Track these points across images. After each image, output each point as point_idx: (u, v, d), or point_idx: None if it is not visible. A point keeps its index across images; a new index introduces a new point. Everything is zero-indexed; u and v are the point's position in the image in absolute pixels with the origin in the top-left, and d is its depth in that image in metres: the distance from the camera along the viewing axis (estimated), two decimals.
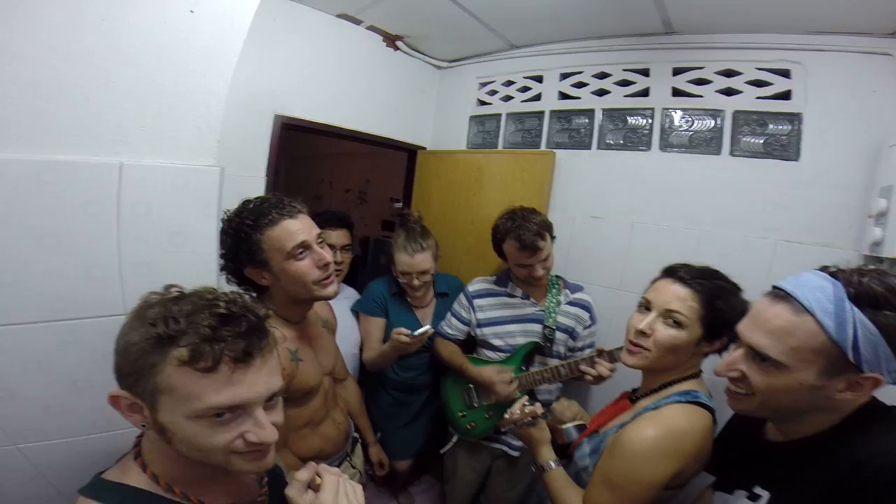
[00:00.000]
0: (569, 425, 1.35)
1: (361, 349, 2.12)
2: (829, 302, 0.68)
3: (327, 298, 1.27)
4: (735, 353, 0.82)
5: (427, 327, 1.73)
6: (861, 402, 0.74)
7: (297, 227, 1.16)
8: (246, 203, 1.19)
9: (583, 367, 1.59)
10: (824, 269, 0.77)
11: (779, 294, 0.75)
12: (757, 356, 0.76)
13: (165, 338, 0.63)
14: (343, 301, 2.17)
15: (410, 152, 2.81)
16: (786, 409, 0.77)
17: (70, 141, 1.04)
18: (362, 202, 4.55)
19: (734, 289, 1.08)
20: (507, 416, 1.30)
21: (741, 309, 1.00)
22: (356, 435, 1.65)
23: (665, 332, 1.07)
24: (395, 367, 2.10)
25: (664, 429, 0.98)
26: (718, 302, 1.05)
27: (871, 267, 0.75)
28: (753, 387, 0.77)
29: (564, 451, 1.27)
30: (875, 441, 0.70)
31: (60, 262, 1.03)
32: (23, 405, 1.06)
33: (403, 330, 1.76)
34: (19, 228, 0.98)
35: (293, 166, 4.72)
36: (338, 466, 1.11)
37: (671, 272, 1.13)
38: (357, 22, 2.27)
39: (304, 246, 1.17)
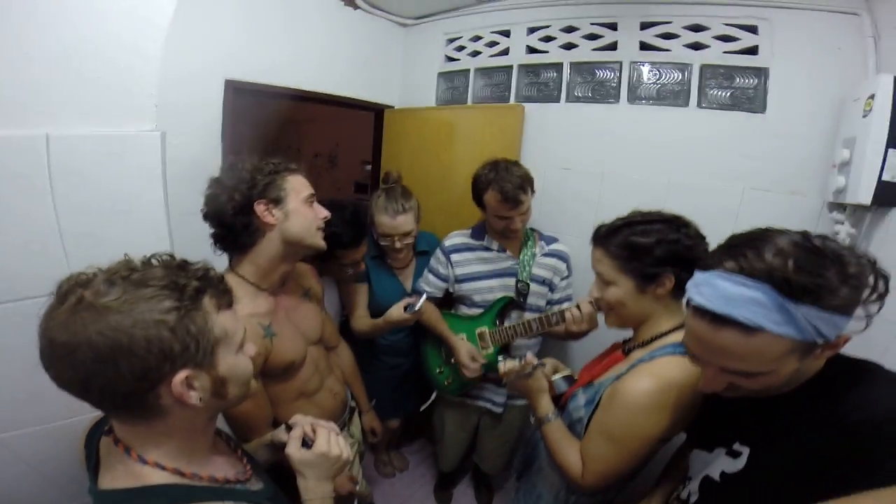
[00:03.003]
0: (557, 377, 1.34)
1: (344, 314, 2.08)
2: (772, 312, 0.65)
3: (319, 248, 1.28)
4: (710, 378, 0.78)
5: (423, 301, 1.73)
6: None
7: (307, 182, 1.28)
8: (246, 158, 1.22)
9: (567, 321, 1.56)
10: (711, 259, 0.74)
11: (715, 317, 0.69)
12: (737, 372, 0.74)
13: (195, 293, 0.65)
14: None
15: (377, 112, 2.72)
16: (780, 387, 0.76)
17: None
18: (333, 166, 4.45)
19: (649, 228, 1.07)
20: (503, 367, 1.30)
21: (655, 241, 1.03)
22: (353, 404, 1.64)
23: (606, 293, 1.12)
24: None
25: (660, 381, 0.98)
26: (625, 252, 1.07)
27: (755, 231, 0.73)
28: (749, 389, 0.75)
29: (555, 403, 1.26)
30: (852, 395, 0.70)
31: None
32: None
33: (404, 301, 1.74)
34: None
35: (257, 133, 4.55)
36: None
37: (594, 237, 1.16)
38: None
39: (313, 198, 1.27)
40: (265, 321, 1.20)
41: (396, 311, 1.74)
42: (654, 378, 0.99)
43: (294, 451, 0.87)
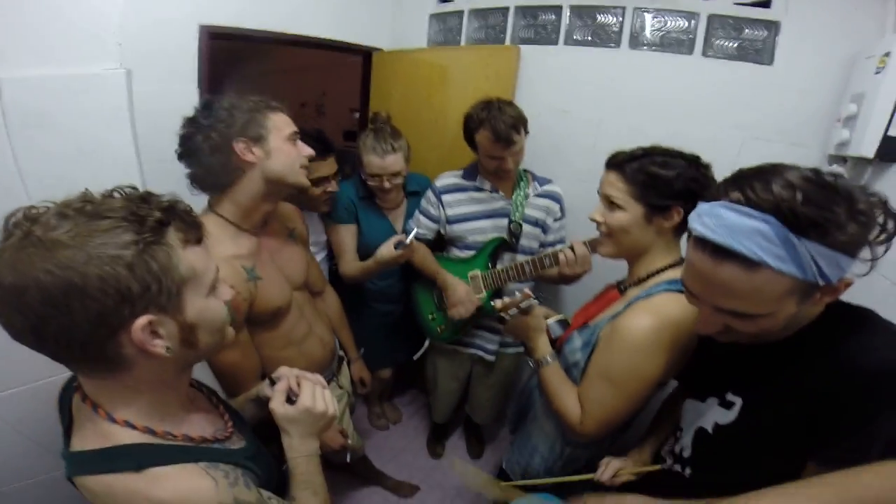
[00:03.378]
0: (551, 320, 1.30)
1: (333, 259, 2.03)
2: (775, 246, 0.61)
3: (303, 186, 1.24)
4: (706, 319, 0.76)
5: (413, 234, 1.65)
6: None
7: (291, 120, 1.21)
8: (224, 95, 1.15)
9: (558, 255, 1.55)
10: (716, 190, 0.71)
11: (717, 249, 0.66)
12: (732, 313, 0.71)
13: (157, 225, 0.58)
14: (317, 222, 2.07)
15: (366, 55, 2.59)
16: (776, 332, 0.74)
17: None
18: (320, 115, 4.32)
19: (665, 161, 1.04)
20: (501, 302, 1.26)
21: (675, 175, 1.01)
22: (341, 353, 1.62)
23: (611, 218, 1.09)
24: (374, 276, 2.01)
25: (659, 318, 0.96)
26: (641, 176, 1.03)
27: (765, 165, 0.70)
28: (743, 333, 0.73)
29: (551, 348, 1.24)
30: (849, 342, 0.69)
31: None
32: None
33: (396, 238, 1.67)
34: None
35: (241, 84, 4.35)
36: None
37: (609, 161, 1.12)
38: None
39: (297, 135, 1.21)
40: (248, 263, 1.15)
41: (386, 249, 1.67)
42: (653, 315, 0.96)
43: (277, 406, 0.83)
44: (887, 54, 1.33)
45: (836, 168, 1.50)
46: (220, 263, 0.97)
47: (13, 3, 0.97)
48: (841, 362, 0.67)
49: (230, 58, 1.89)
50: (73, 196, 0.58)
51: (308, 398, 0.84)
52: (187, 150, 1.10)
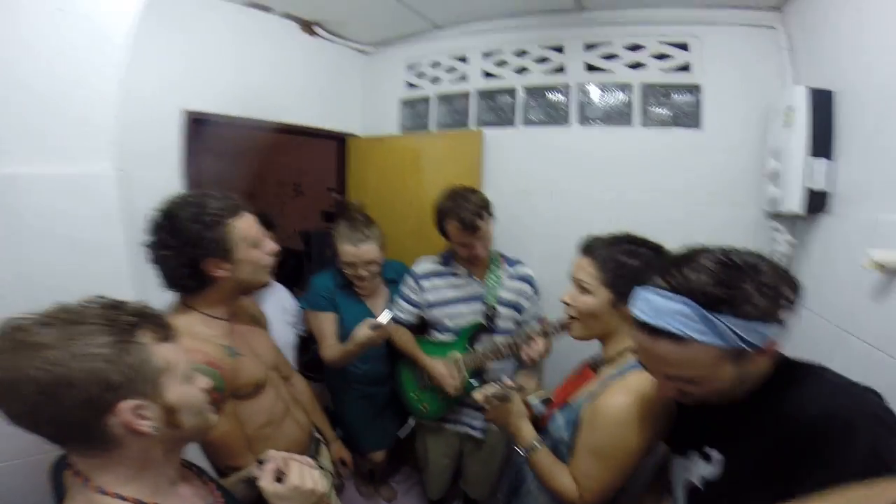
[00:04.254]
0: (535, 400, 1.35)
1: (315, 347, 2.06)
2: (696, 322, 0.72)
3: (266, 284, 1.32)
4: (661, 385, 0.87)
5: (386, 314, 1.70)
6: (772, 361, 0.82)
7: (253, 219, 1.24)
8: (183, 197, 1.17)
9: (523, 349, 1.65)
10: (653, 276, 0.82)
11: (651, 329, 0.77)
12: (680, 379, 0.81)
13: (129, 327, 0.68)
14: (281, 295, 2.13)
15: (339, 140, 2.75)
16: (729, 392, 0.83)
17: None
18: (298, 194, 4.41)
19: (633, 249, 1.14)
20: (480, 394, 1.29)
21: (642, 265, 1.08)
22: (318, 436, 1.62)
23: (580, 301, 1.16)
24: (357, 361, 2.01)
25: (634, 395, 1.03)
26: (611, 265, 1.13)
27: (686, 251, 0.82)
28: (695, 395, 0.83)
29: (535, 426, 1.27)
30: (792, 397, 0.77)
31: None
32: None
33: (371, 322, 1.70)
34: None
35: (216, 164, 4.48)
36: None
37: (582, 247, 1.21)
38: (267, 9, 2.17)
39: (258, 239, 1.24)
40: (226, 342, 1.20)
41: (362, 331, 1.71)
42: (629, 393, 1.04)
43: (267, 484, 0.86)
44: (791, 108, 1.44)
45: (776, 225, 1.61)
46: (200, 343, 1.05)
47: (14, 98, 1.04)
48: (784, 417, 0.75)
49: (207, 141, 2.01)
50: (52, 307, 0.68)
51: (296, 476, 0.87)
52: (159, 267, 1.15)
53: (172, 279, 1.16)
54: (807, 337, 1.31)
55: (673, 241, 1.14)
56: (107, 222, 1.12)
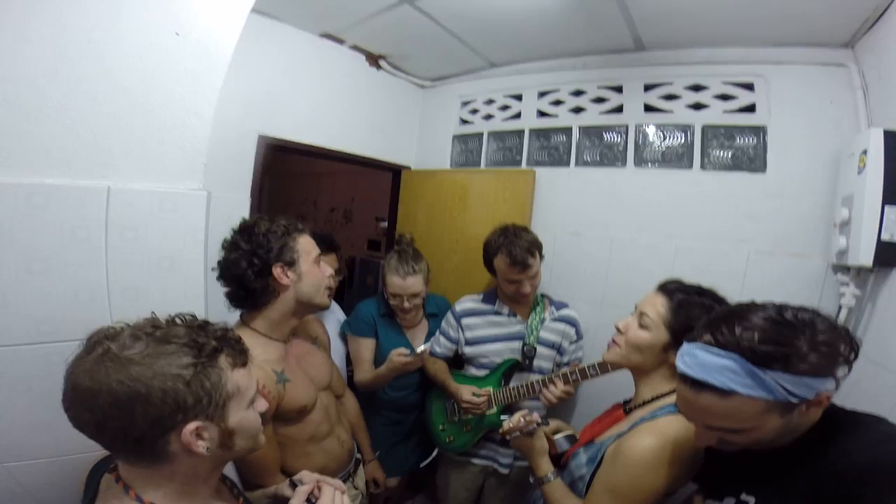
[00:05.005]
0: (559, 436, 1.36)
1: (350, 369, 2.11)
2: (742, 377, 0.73)
3: (325, 307, 1.40)
4: (700, 434, 0.86)
5: (426, 345, 1.78)
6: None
7: (314, 242, 1.36)
8: (255, 219, 1.29)
9: (542, 390, 1.67)
10: (695, 332, 0.82)
11: (695, 383, 0.78)
12: (720, 429, 0.81)
13: (212, 352, 0.72)
14: (334, 322, 2.18)
15: (395, 172, 2.84)
16: (773, 441, 0.81)
17: (57, 164, 1.05)
18: (347, 221, 4.55)
19: (712, 305, 1.12)
20: (507, 424, 1.31)
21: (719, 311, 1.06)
22: (359, 456, 1.65)
23: (634, 332, 1.17)
24: (386, 387, 2.08)
25: (663, 438, 1.02)
26: (683, 311, 1.12)
27: (736, 307, 0.82)
28: (739, 442, 0.82)
29: (556, 462, 1.28)
30: (838, 445, 0.76)
31: (49, 286, 1.04)
32: (11, 425, 1.06)
33: (403, 350, 1.78)
34: (8, 251, 0.99)
35: (276, 185, 4.71)
36: None
37: (662, 285, 1.21)
38: (340, 41, 2.32)
39: (320, 257, 1.36)
40: (277, 367, 1.26)
41: (396, 355, 1.79)
42: (657, 435, 1.03)
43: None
44: (865, 152, 1.35)
45: (841, 277, 1.52)
46: (252, 368, 1.10)
47: (119, 108, 1.11)
48: (833, 465, 0.74)
49: (275, 164, 2.14)
50: (144, 319, 0.74)
51: (328, 501, 0.90)
52: (233, 275, 1.23)
53: (240, 286, 1.24)
54: (869, 389, 1.26)
55: (730, 291, 1.15)
56: (192, 241, 1.19)
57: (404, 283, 1.93)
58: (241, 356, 0.78)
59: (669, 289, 1.17)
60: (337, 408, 1.53)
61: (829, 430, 0.79)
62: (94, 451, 0.97)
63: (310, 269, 1.30)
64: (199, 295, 1.22)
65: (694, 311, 1.10)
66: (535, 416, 1.28)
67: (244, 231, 1.25)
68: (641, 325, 1.16)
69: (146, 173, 1.14)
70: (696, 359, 0.78)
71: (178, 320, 0.76)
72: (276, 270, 1.23)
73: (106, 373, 0.64)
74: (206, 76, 1.23)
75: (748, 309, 0.79)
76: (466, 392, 1.86)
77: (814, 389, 0.72)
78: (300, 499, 0.90)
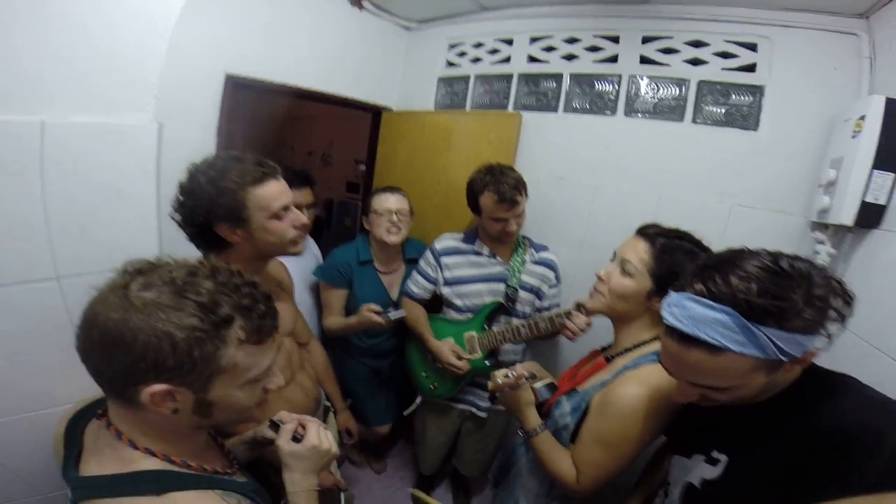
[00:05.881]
0: (539, 385, 1.35)
1: (320, 313, 2.09)
2: (735, 333, 0.68)
3: (296, 254, 1.30)
4: (683, 390, 0.82)
5: (402, 312, 1.76)
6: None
7: (281, 189, 1.19)
8: (215, 158, 1.16)
9: (565, 322, 1.58)
10: (684, 280, 0.77)
11: (684, 337, 0.73)
12: (705, 387, 0.77)
13: (222, 321, 0.66)
14: (310, 259, 2.14)
15: (375, 113, 2.73)
16: (752, 398, 0.78)
17: None
18: (326, 164, 4.44)
19: (693, 250, 1.10)
20: (493, 383, 1.29)
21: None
22: (328, 403, 1.63)
23: (617, 280, 1.15)
24: (360, 333, 2.07)
25: (648, 387, 1.02)
26: (666, 257, 1.09)
27: (727, 253, 0.76)
28: (721, 400, 0.78)
29: (538, 410, 1.28)
30: (824, 405, 0.73)
31: None
32: None
33: (374, 307, 1.75)
34: None
35: (250, 128, 4.50)
36: None
37: (641, 229, 1.17)
38: None
39: (287, 207, 1.20)
40: None
41: (368, 311, 1.76)
42: (643, 384, 1.03)
43: (285, 443, 0.90)
44: (863, 117, 1.36)
45: (818, 234, 1.54)
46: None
47: (61, 43, 1.02)
48: (815, 426, 0.71)
49: (244, 105, 2.01)
50: (186, 263, 0.70)
51: (314, 437, 0.92)
52: (182, 223, 1.15)
53: (189, 237, 1.16)
54: (832, 349, 1.26)
55: (711, 242, 1.12)
56: (142, 174, 1.12)
57: (390, 196, 1.95)
58: (258, 334, 0.71)
59: (650, 233, 1.14)
60: (301, 355, 1.49)
61: (809, 390, 0.76)
62: (52, 406, 0.93)
63: (264, 223, 1.17)
64: (152, 227, 1.16)
65: (677, 256, 1.08)
66: (521, 370, 1.26)
67: (188, 182, 1.13)
68: (624, 272, 1.13)
69: (89, 106, 1.06)
70: (687, 311, 0.72)
71: (218, 274, 0.70)
72: (221, 229, 1.13)
73: (109, 308, 0.63)
74: (160, 11, 1.14)
75: (741, 256, 0.73)
76: (447, 352, 1.84)
77: (804, 347, 0.68)
78: (286, 437, 0.91)
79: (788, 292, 0.66)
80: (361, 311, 1.78)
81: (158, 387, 0.64)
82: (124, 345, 0.62)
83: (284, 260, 1.56)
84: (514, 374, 1.26)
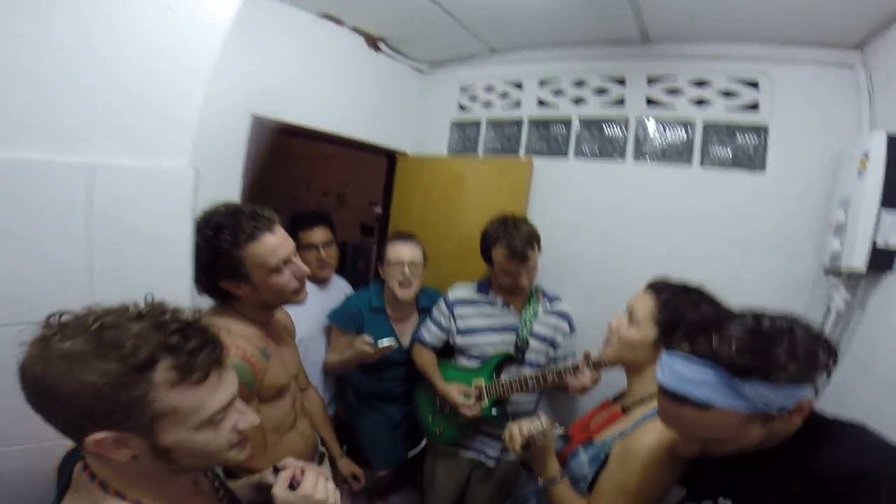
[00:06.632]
0: (553, 435, 1.32)
1: None
2: (721, 389, 0.73)
3: (298, 304, 1.34)
4: (684, 443, 0.87)
5: (390, 341, 1.75)
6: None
7: (278, 242, 1.20)
8: (214, 213, 1.19)
9: (568, 379, 1.61)
10: (674, 341, 0.82)
11: (674, 395, 0.78)
12: (704, 440, 0.82)
13: (142, 366, 0.62)
14: (340, 296, 2.19)
15: (390, 157, 2.80)
16: (758, 446, 0.82)
17: (37, 139, 1.00)
18: (341, 205, 4.49)
19: (698, 301, 1.14)
20: (518, 434, 1.22)
21: (697, 319, 1.05)
22: (323, 450, 1.63)
23: (625, 329, 1.20)
24: (370, 376, 2.08)
25: (668, 435, 1.03)
26: (670, 307, 1.13)
27: (713, 316, 0.83)
28: (722, 451, 0.83)
29: None
30: (823, 453, 0.76)
31: (26, 265, 1.00)
32: None
33: (366, 338, 1.77)
34: None
35: (268, 167, 4.62)
36: None
37: (651, 283, 1.23)
38: (339, 22, 2.26)
39: (286, 260, 1.22)
40: (260, 344, 1.25)
41: (360, 342, 1.77)
42: (663, 434, 1.04)
43: (279, 491, 0.88)
44: (866, 154, 1.35)
45: (832, 280, 1.52)
46: (239, 340, 1.09)
47: (104, 88, 1.07)
48: (816, 473, 0.75)
49: (266, 144, 2.11)
50: (105, 309, 0.67)
51: (310, 486, 0.89)
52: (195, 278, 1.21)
53: (199, 290, 1.23)
54: (855, 391, 1.28)
55: (721, 289, 1.16)
56: (179, 219, 1.15)
57: (405, 247, 1.95)
58: (190, 372, 0.66)
59: (657, 287, 1.20)
60: (302, 400, 1.52)
61: (812, 437, 0.80)
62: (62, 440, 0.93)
63: (265, 280, 1.19)
64: (185, 276, 1.18)
65: (681, 306, 1.12)
66: (550, 422, 1.22)
67: (202, 238, 1.17)
68: (632, 322, 1.18)
69: (133, 150, 1.10)
70: (675, 370, 0.79)
71: (147, 315, 0.67)
72: (226, 284, 1.19)
73: (32, 362, 0.61)
74: (200, 54, 1.18)
75: (726, 318, 0.79)
76: (456, 394, 1.84)
77: (794, 398, 0.73)
78: (282, 484, 0.89)
79: (771, 349, 0.72)
80: (355, 343, 1.80)
81: (101, 435, 0.62)
82: (53, 397, 0.61)
83: (319, 295, 1.60)
84: (544, 425, 1.21)
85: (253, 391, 1.16)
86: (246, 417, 0.77)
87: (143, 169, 1.11)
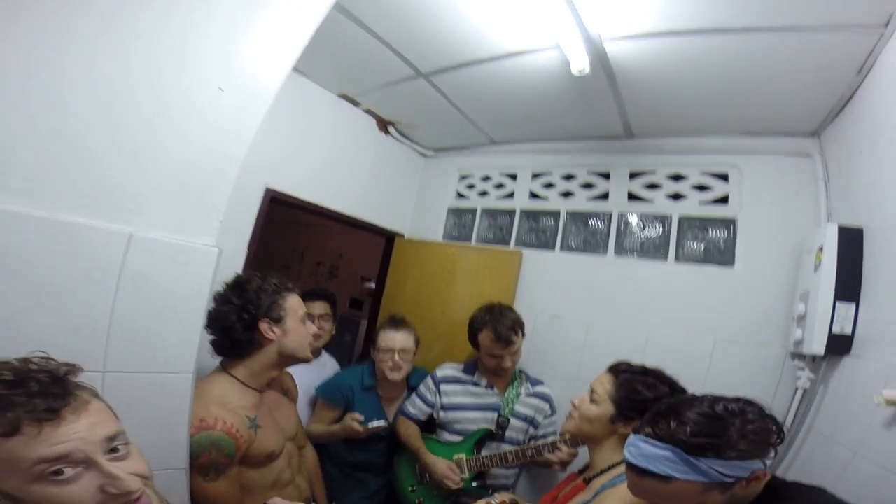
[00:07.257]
0: None
1: None
2: (679, 465, 0.84)
3: (307, 361, 1.50)
4: None
5: (381, 422, 1.84)
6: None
7: (301, 301, 1.47)
8: (249, 274, 1.42)
9: (546, 455, 1.72)
10: (641, 424, 0.95)
11: (639, 470, 0.89)
12: None
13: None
14: (326, 368, 2.24)
15: (389, 237, 2.92)
16: None
17: (86, 202, 1.05)
18: (332, 277, 4.56)
19: (654, 383, 1.26)
20: None
21: (652, 398, 1.19)
22: None
23: (586, 406, 1.32)
24: (353, 448, 2.08)
25: (628, 501, 1.09)
26: (626, 386, 1.25)
27: (673, 403, 0.94)
28: None
29: None
30: None
31: (55, 319, 1.02)
32: None
33: (357, 416, 1.84)
34: (23, 283, 0.98)
35: (265, 233, 4.71)
36: None
37: (611, 366, 1.36)
38: (356, 104, 2.46)
39: (306, 316, 1.46)
40: (251, 414, 1.33)
41: (351, 419, 1.85)
42: (622, 500, 1.11)
43: None
44: (821, 248, 1.46)
45: (798, 363, 1.67)
46: (226, 413, 1.19)
47: (151, 160, 1.11)
48: None
49: (271, 217, 2.22)
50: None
51: None
52: (219, 324, 1.32)
53: (226, 336, 1.33)
54: (820, 459, 1.40)
55: (697, 374, 1.25)
56: (197, 295, 1.20)
57: (396, 334, 2.02)
58: (4, 426, 0.63)
59: (617, 369, 1.33)
60: (298, 458, 1.57)
61: (773, 500, 0.90)
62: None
63: (295, 326, 1.41)
64: (195, 343, 1.21)
65: (636, 386, 1.25)
66: (504, 497, 1.32)
67: (236, 286, 1.37)
68: (592, 401, 1.30)
69: (165, 224, 1.15)
70: (640, 449, 0.90)
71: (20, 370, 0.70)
72: (263, 325, 1.34)
73: None
74: (239, 134, 1.26)
75: (684, 404, 0.92)
76: (443, 466, 1.88)
77: (747, 470, 0.83)
78: None
79: (724, 430, 0.84)
80: (346, 419, 1.86)
81: None
82: None
83: (308, 367, 1.69)
84: (497, 500, 1.31)
85: (233, 460, 1.24)
86: (117, 482, 0.69)
87: (174, 244, 1.16)
